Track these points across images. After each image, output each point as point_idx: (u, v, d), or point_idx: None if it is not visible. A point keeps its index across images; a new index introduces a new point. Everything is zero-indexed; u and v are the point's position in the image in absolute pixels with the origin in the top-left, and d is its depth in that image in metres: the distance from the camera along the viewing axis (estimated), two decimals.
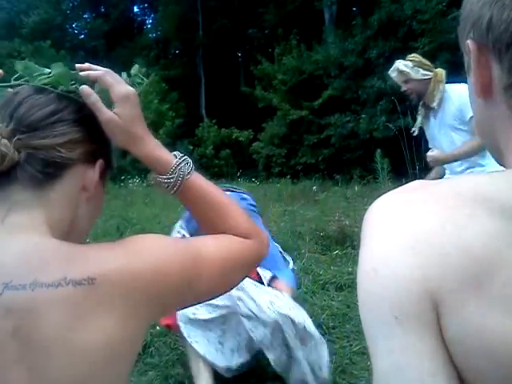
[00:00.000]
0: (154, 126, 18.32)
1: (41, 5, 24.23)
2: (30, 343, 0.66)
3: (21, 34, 23.20)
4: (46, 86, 0.80)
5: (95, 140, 0.81)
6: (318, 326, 2.82)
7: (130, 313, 0.70)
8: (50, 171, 0.76)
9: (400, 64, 3.17)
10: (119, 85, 0.82)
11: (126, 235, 5.14)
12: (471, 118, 2.89)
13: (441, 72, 3.16)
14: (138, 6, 26.90)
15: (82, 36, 26.15)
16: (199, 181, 0.90)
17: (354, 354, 2.85)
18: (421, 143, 5.54)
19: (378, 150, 7.12)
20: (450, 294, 0.48)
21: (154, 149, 0.85)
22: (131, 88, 0.84)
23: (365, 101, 14.62)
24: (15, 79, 0.81)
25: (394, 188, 0.57)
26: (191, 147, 18.39)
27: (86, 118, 0.80)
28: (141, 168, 17.19)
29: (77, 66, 0.85)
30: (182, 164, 0.86)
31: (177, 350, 3.07)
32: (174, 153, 0.89)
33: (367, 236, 0.55)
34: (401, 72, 3.16)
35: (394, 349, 0.48)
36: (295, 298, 2.56)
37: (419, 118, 3.32)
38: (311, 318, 2.48)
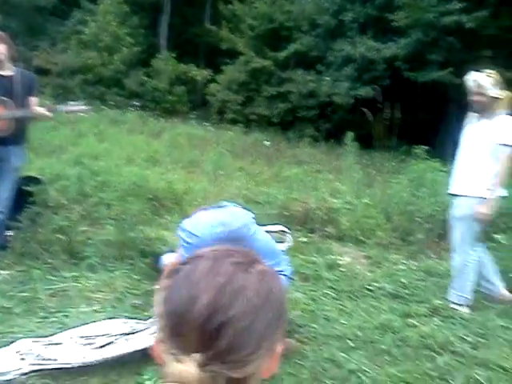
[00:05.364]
0: (109, 51, 17.23)
1: None
2: None
3: None
4: None
5: None
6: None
7: None
8: None
9: (481, 77, 3.33)
10: None
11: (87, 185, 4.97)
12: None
13: (510, 96, 3.35)
14: None
15: None
16: None
17: (326, 360, 2.75)
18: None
19: (350, 134, 7.25)
20: None
21: None
22: None
23: (330, 63, 14.51)
24: None
25: None
26: (145, 78, 17.51)
27: None
28: (89, 91, 16.27)
29: None
30: None
31: None
32: None
33: None
34: (480, 85, 3.31)
35: None
36: None
37: (468, 124, 3.53)
38: None
